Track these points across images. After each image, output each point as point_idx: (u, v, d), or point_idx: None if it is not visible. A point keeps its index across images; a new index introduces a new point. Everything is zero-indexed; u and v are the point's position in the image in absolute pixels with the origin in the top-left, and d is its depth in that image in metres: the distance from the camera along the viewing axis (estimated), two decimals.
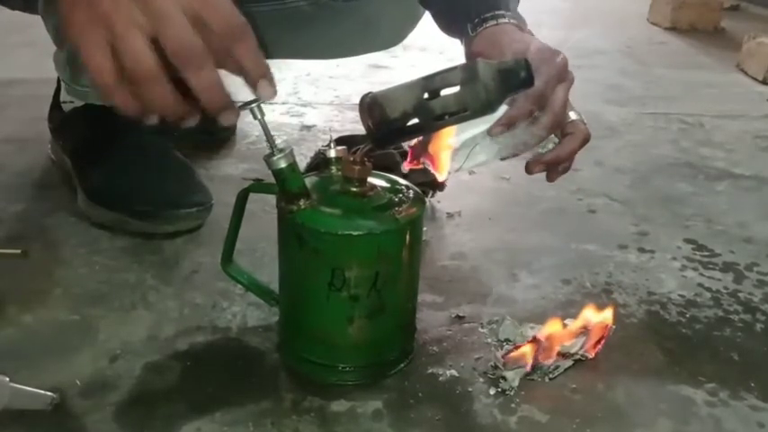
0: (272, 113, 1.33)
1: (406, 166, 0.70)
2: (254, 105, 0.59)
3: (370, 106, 0.60)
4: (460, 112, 0.61)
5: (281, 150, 0.60)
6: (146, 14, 0.51)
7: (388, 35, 1.14)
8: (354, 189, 0.62)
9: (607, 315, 0.71)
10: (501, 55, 0.69)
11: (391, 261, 0.63)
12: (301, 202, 0.61)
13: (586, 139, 0.72)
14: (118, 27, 0.51)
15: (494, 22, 0.76)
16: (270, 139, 0.60)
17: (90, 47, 0.52)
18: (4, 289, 0.76)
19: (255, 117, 0.59)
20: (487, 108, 0.61)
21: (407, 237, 0.63)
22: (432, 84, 0.60)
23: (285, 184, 0.61)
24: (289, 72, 1.59)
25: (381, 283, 0.62)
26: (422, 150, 0.67)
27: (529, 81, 0.61)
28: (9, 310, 0.73)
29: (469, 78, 0.60)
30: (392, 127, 0.61)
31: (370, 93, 0.62)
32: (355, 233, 0.60)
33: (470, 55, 0.77)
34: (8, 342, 0.69)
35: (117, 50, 0.51)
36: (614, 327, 0.72)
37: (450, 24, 0.85)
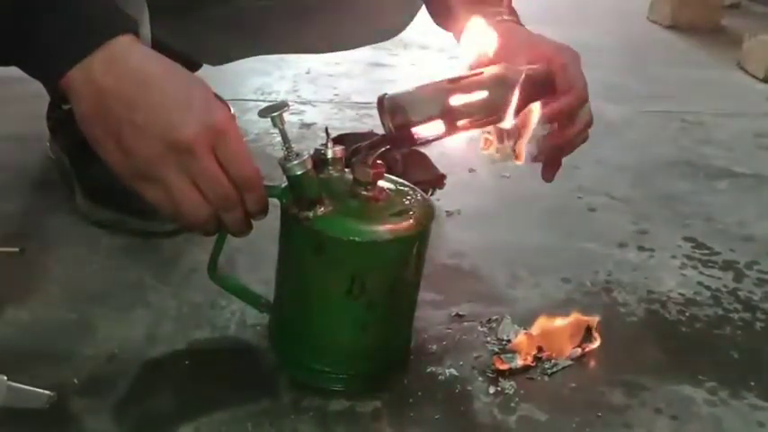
0: None
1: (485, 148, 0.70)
2: (275, 114, 0.58)
3: (392, 108, 0.59)
4: (486, 118, 0.60)
5: (297, 155, 0.58)
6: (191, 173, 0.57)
7: (390, 25, 1.14)
8: (365, 193, 0.61)
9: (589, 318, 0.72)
10: (512, 53, 0.69)
11: (408, 266, 0.62)
12: (318, 209, 0.59)
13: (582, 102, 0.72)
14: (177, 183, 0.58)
15: (499, 18, 0.76)
16: (288, 144, 0.58)
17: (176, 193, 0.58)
18: (1, 287, 0.75)
19: (276, 125, 0.58)
20: (512, 114, 0.61)
21: (423, 241, 0.63)
22: (457, 87, 0.59)
23: (302, 191, 0.59)
24: (288, 70, 1.59)
25: (396, 288, 0.62)
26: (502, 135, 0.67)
27: (552, 89, 0.61)
28: (7, 309, 0.72)
29: (497, 84, 0.59)
30: (414, 129, 0.60)
31: (386, 94, 0.60)
32: (380, 241, 0.59)
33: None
34: (6, 340, 0.68)
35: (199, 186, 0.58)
36: (597, 317, 0.73)
37: (445, 16, 0.85)
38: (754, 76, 1.79)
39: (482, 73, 0.60)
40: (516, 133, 0.67)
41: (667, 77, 1.76)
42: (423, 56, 1.80)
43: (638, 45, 2.09)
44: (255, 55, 1.26)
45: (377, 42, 1.26)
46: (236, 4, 1.07)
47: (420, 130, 0.60)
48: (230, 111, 1.17)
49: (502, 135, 0.68)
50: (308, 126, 1.29)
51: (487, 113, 0.59)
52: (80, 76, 0.56)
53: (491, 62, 0.65)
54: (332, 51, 1.37)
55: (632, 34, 2.21)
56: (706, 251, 0.93)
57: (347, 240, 0.58)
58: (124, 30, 0.57)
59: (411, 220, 0.60)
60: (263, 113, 0.58)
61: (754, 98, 1.65)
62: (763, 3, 2.69)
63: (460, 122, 0.60)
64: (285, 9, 1.07)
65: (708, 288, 0.85)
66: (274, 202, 0.62)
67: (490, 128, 0.67)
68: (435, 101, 0.59)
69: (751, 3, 2.73)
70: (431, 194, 0.99)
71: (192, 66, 1.18)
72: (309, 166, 0.58)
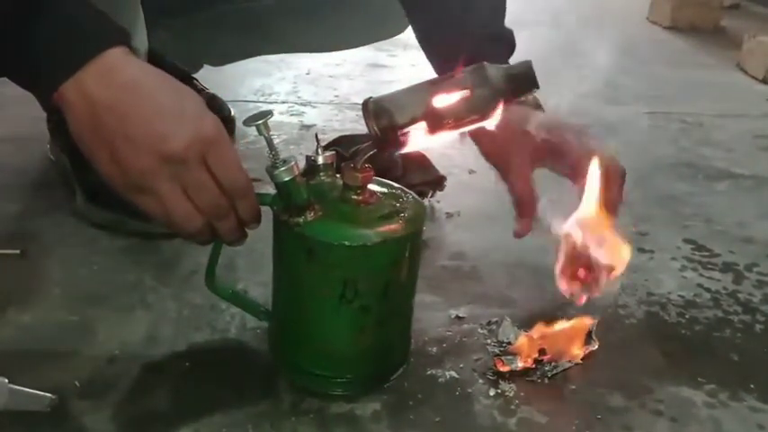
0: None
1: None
2: (260, 122, 0.58)
3: (377, 111, 0.59)
4: (470, 117, 0.60)
5: (284, 162, 0.58)
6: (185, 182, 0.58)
7: (394, 23, 1.14)
8: (355, 197, 0.61)
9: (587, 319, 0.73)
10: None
11: (401, 268, 0.62)
12: (308, 215, 0.59)
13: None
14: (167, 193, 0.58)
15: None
16: (274, 151, 0.59)
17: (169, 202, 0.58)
18: (2, 289, 0.76)
19: (261, 133, 0.58)
20: (495, 112, 0.61)
21: (416, 243, 0.63)
22: (440, 88, 0.60)
23: (290, 198, 0.59)
24: (289, 71, 1.59)
25: (391, 291, 0.62)
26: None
27: (535, 84, 0.61)
28: (8, 311, 0.72)
29: (479, 83, 0.59)
30: (400, 132, 0.60)
31: (371, 97, 0.61)
32: (369, 244, 0.59)
33: None
34: (7, 343, 0.69)
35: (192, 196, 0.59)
36: (596, 319, 0.73)
37: (440, 56, 0.86)
38: (753, 77, 1.79)
39: (464, 73, 0.61)
40: (608, 272, 0.74)
41: (667, 78, 1.76)
42: (423, 57, 1.79)
43: (638, 45, 2.08)
44: (257, 55, 1.26)
45: (377, 41, 1.26)
46: (238, 4, 1.07)
47: (405, 132, 0.60)
48: (231, 112, 1.17)
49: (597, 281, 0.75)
50: (307, 128, 1.29)
51: (471, 112, 0.60)
52: (73, 88, 0.56)
53: None
54: (333, 51, 1.38)
55: (632, 35, 2.20)
56: (706, 253, 0.93)
57: (337, 245, 0.58)
58: (116, 42, 0.57)
59: (401, 222, 0.61)
60: (247, 122, 0.58)
61: (754, 99, 1.65)
62: (762, 3, 2.69)
63: (445, 122, 0.60)
64: (286, 9, 1.07)
65: (707, 290, 0.85)
66: (269, 209, 0.62)
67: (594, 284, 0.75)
68: (419, 102, 0.59)
69: (751, 3, 2.73)
70: (431, 196, 0.99)
71: (192, 69, 1.18)
72: (296, 172, 0.58)
